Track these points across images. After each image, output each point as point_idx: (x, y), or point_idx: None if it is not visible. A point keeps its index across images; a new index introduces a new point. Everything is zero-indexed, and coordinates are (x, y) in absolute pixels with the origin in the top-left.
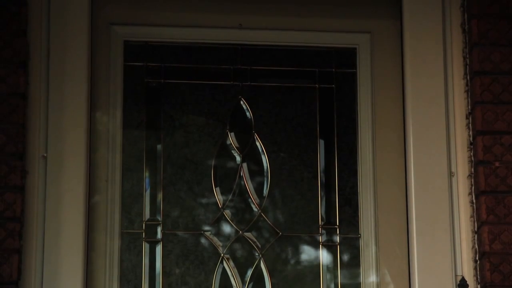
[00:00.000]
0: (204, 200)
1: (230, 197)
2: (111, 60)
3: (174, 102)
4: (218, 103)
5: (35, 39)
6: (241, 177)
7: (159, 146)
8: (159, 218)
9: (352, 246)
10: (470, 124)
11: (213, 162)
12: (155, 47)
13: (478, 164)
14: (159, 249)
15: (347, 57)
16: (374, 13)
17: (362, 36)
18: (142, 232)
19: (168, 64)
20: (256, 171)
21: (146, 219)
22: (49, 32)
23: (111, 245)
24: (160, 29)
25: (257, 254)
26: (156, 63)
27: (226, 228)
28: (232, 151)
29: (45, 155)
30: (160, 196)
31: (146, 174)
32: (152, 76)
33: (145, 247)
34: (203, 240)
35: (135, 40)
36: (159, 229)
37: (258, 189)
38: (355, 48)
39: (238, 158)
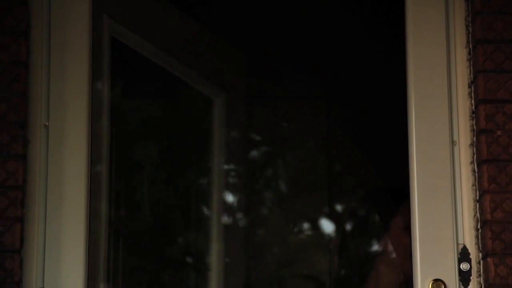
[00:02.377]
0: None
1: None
2: None
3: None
4: None
5: (36, 7)
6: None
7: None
8: None
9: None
10: (472, 93)
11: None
12: None
13: (480, 133)
14: None
15: None
16: None
17: None
18: None
19: None
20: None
21: None
22: (50, 0)
23: (113, 214)
24: None
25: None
26: None
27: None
28: None
29: (47, 124)
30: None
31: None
32: None
33: None
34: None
35: None
36: None
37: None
38: None
39: None
